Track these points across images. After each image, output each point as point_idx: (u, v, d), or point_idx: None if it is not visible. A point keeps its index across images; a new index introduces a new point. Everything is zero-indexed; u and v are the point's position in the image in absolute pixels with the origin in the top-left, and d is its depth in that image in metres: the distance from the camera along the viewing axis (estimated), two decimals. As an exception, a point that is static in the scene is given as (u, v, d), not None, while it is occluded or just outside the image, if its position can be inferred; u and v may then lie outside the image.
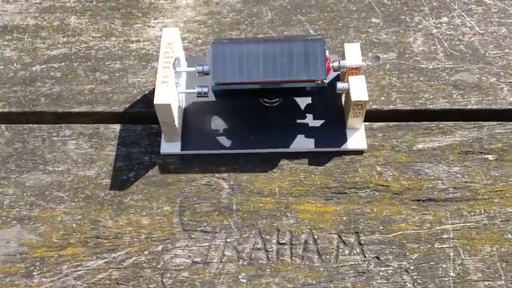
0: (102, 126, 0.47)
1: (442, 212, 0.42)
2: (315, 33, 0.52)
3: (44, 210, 0.42)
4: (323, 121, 0.46)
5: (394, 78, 0.50)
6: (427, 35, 0.52)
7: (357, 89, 0.43)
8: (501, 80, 0.49)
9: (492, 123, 0.47)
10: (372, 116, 0.47)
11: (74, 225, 0.42)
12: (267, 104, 0.47)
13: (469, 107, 0.48)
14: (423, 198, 0.43)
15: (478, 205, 0.43)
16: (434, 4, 0.55)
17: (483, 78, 0.49)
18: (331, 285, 0.39)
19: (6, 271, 0.40)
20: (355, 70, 0.45)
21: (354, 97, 0.43)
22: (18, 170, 0.44)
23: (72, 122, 0.47)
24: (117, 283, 0.39)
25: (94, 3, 0.55)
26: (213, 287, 0.39)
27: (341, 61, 0.44)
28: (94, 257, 0.40)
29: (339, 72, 0.47)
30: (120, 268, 0.40)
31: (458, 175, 0.44)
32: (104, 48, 0.51)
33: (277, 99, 0.46)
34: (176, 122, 0.43)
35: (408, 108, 0.48)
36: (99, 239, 0.41)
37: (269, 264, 0.40)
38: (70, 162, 0.45)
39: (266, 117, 0.46)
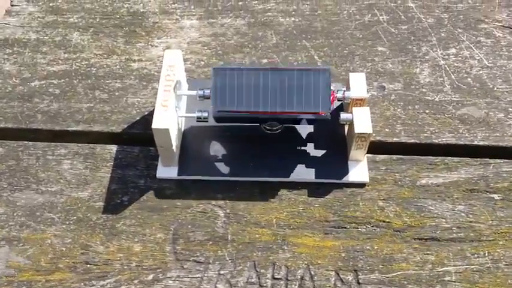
0: (99, 147, 0.45)
1: (444, 252, 0.41)
2: (319, 64, 0.51)
3: (33, 231, 0.41)
4: (325, 151, 0.45)
5: (399, 110, 0.48)
6: (434, 66, 0.51)
7: (361, 120, 0.42)
8: (509, 115, 0.48)
9: (499, 160, 0.45)
10: (375, 147, 0.46)
11: (64, 248, 0.40)
12: (268, 132, 0.46)
13: (476, 142, 0.47)
14: (425, 237, 0.42)
15: (482, 247, 0.41)
16: (442, 35, 0.54)
17: (490, 113, 0.48)
18: (326, 324, 0.38)
19: (-10, 295, 0.38)
20: (360, 101, 0.44)
21: (358, 129, 0.42)
22: (10, 188, 0.43)
23: (69, 140, 0.46)
24: (104, 312, 0.38)
25: (98, 20, 0.54)
26: (203, 321, 0.38)
27: (345, 92, 0.43)
28: (82, 284, 0.39)
29: (342, 102, 0.46)
30: (108, 297, 0.38)
31: (463, 214, 0.43)
32: (105, 66, 0.50)
33: (278, 127, 0.45)
34: (174, 147, 0.42)
35: (413, 141, 0.47)
36: (89, 265, 0.40)
37: (263, 299, 0.39)
38: (63, 182, 0.43)
39: (266, 145, 0.45)
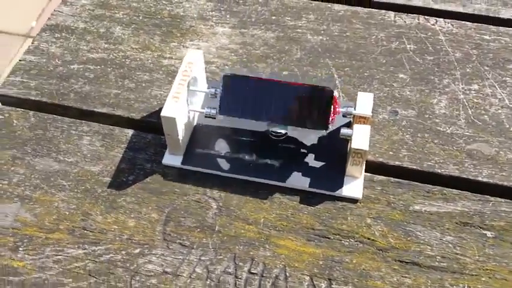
0: (117, 129, 0.49)
1: (423, 278, 0.41)
2: (325, 81, 0.53)
3: (44, 193, 0.45)
4: (323, 163, 0.47)
5: (407, 136, 0.49)
6: (453, 99, 0.52)
7: (359, 137, 0.43)
8: (520, 157, 0.48)
9: (499, 199, 0.45)
10: (375, 168, 0.47)
11: (67, 213, 0.44)
12: (273, 137, 0.48)
13: (479, 178, 0.46)
14: (407, 260, 0.42)
15: (463, 279, 0.41)
16: (468, 70, 0.54)
17: (501, 152, 0.48)
18: (290, 324, 0.39)
19: (-5, 242, 0.43)
20: (363, 119, 0.45)
21: (354, 144, 0.43)
22: (32, 154, 0.48)
23: (92, 120, 0.50)
24: (89, 274, 0.41)
25: (140, 17, 0.59)
26: (175, 299, 0.40)
27: (349, 108, 0.45)
28: (76, 246, 0.42)
29: (350, 119, 0.48)
30: (96, 261, 0.42)
31: (450, 245, 0.43)
32: (138, 59, 0.55)
33: (283, 133, 0.47)
34: (180, 136, 0.45)
35: (414, 167, 0.47)
36: (85, 231, 0.43)
37: (235, 290, 0.40)
38: (80, 155, 0.48)
39: (269, 149, 0.47)
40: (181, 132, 0.45)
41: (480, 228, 0.44)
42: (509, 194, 0.45)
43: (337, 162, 0.46)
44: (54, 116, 0.50)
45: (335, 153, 0.47)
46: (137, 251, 0.42)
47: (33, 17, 0.63)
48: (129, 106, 0.51)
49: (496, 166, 0.47)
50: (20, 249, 0.42)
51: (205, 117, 0.46)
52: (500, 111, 0.51)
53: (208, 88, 0.46)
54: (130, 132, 0.49)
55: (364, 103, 0.45)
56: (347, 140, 0.46)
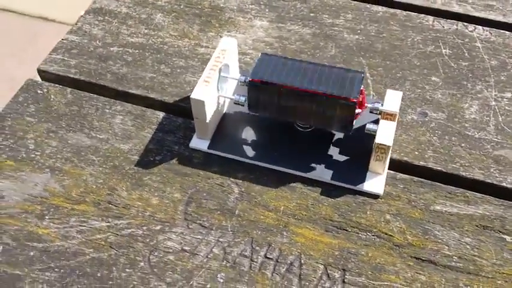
0: (149, 111, 0.51)
1: (437, 276, 0.41)
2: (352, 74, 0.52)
3: (74, 167, 0.47)
4: (348, 157, 0.47)
5: (434, 138, 0.49)
6: (484, 105, 0.51)
7: (384, 132, 0.43)
8: (549, 167, 0.47)
9: (524, 206, 0.44)
10: (399, 166, 0.47)
11: (94, 186, 0.46)
12: (300, 129, 0.48)
13: (504, 184, 0.46)
14: (423, 258, 0.42)
15: (478, 281, 0.40)
16: (502, 78, 0.53)
17: (530, 160, 0.47)
18: (301, 310, 0.39)
19: (24, 208, 0.45)
20: (390, 116, 0.45)
21: (378, 139, 0.43)
22: (66, 128, 0.50)
23: (127, 101, 0.52)
24: (110, 246, 0.42)
25: (181, 6, 0.60)
26: (190, 276, 0.41)
27: (376, 104, 0.45)
28: (100, 219, 0.44)
29: (379, 116, 0.48)
30: (117, 234, 0.43)
31: (468, 246, 0.42)
32: (175, 46, 0.56)
33: (310, 125, 0.48)
34: (208, 120, 0.46)
35: (439, 168, 0.47)
36: (110, 205, 0.45)
37: (249, 272, 0.41)
38: (111, 133, 0.49)
39: (295, 140, 0.48)
40: (209, 116, 0.46)
41: (500, 232, 0.43)
42: (535, 202, 0.45)
43: (361, 157, 0.46)
44: (90, 94, 0.52)
45: (360, 148, 0.47)
46: (158, 227, 0.43)
47: (82, 6, 0.66)
48: (162, 90, 0.53)
49: (524, 174, 0.46)
50: (46, 217, 0.44)
51: (235, 103, 0.47)
52: (532, 120, 0.50)
53: (240, 76, 0.48)
54: (161, 114, 0.51)
55: (392, 100, 0.46)
56: (372, 135, 0.46)
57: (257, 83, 0.45)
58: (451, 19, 0.59)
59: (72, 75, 0.54)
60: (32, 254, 0.42)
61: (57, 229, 0.43)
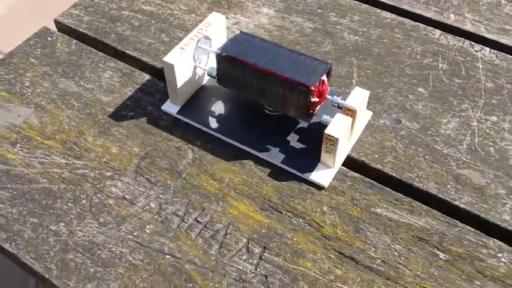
0: (138, 72, 0.54)
1: (354, 274, 0.40)
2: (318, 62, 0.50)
3: (56, 107, 0.51)
4: (304, 146, 0.47)
5: (400, 145, 0.48)
6: (463, 124, 0.50)
7: (336, 125, 0.44)
8: (510, 196, 0.45)
9: (468, 227, 0.43)
10: (353, 165, 0.47)
11: (67, 127, 0.50)
12: (268, 112, 0.50)
13: (456, 203, 0.44)
14: (346, 254, 0.41)
15: (394, 288, 0.40)
16: (493, 101, 0.51)
17: (492, 185, 0.45)
18: (210, 274, 0.40)
19: (2, 134, 0.49)
20: (350, 112, 0.45)
21: (328, 130, 0.43)
22: (61, 73, 0.54)
23: (123, 60, 0.56)
24: (62, 181, 0.46)
25: (198, -15, 0.63)
26: (122, 222, 0.43)
27: (336, 97, 0.45)
28: (61, 156, 0.48)
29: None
30: (72, 172, 0.46)
31: (396, 253, 0.41)
32: (181, 19, 0.59)
33: (277, 110, 0.49)
34: (178, 85, 0.48)
35: (393, 175, 0.46)
36: (74, 145, 0.48)
37: (176, 230, 0.43)
38: (97, 85, 0.53)
39: (259, 121, 0.49)
40: (180, 81, 0.48)
41: (435, 247, 0.42)
42: (483, 227, 0.43)
43: (317, 148, 0.47)
44: (91, 48, 0.57)
45: (319, 140, 0.47)
46: (109, 174, 0.46)
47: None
48: (156, 55, 0.56)
49: (480, 197, 0.45)
50: (18, 145, 0.48)
51: (208, 75, 0.49)
52: (510, 147, 0.48)
53: (216, 50, 0.49)
54: (147, 77, 0.54)
55: (356, 98, 0.46)
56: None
57: (224, 57, 0.46)
58: (460, 36, 0.57)
59: (81, 30, 0.58)
60: (-5, 173, 0.47)
61: (23, 157, 0.48)
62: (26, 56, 0.56)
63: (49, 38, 0.58)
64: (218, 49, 0.48)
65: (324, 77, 0.45)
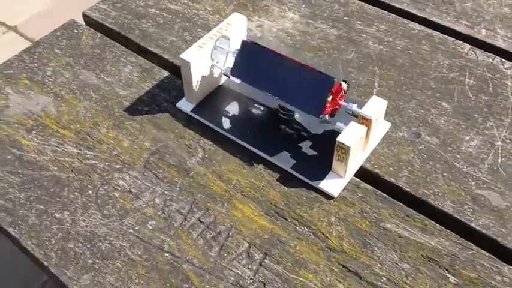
0: (157, 68, 0.54)
1: (356, 288, 0.39)
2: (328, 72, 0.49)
3: (74, 98, 0.52)
4: (316, 153, 0.46)
5: (417, 160, 0.46)
6: (487, 142, 0.47)
7: (348, 133, 0.42)
8: (531, 221, 0.42)
9: (483, 252, 0.40)
10: (367, 176, 0.45)
11: (82, 118, 0.50)
12: (282, 116, 0.49)
13: (472, 224, 0.42)
14: (350, 268, 0.40)
15: (397, 307, 0.38)
16: (521, 122, 0.49)
17: (512, 209, 0.43)
18: (208, 277, 0.39)
19: (20, 120, 0.50)
20: (366, 121, 0.44)
21: (339, 137, 0.42)
22: (83, 65, 0.55)
23: (145, 56, 0.56)
24: (72, 170, 0.46)
25: (226, -14, 0.63)
26: (125, 215, 0.43)
27: (351, 104, 0.44)
28: (74, 145, 0.48)
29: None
30: (82, 162, 0.46)
31: (403, 272, 0.39)
32: (205, 19, 0.59)
33: (292, 113, 0.48)
34: (194, 83, 0.48)
35: (408, 190, 0.44)
36: (88, 136, 0.48)
37: (177, 228, 0.42)
38: (116, 78, 0.53)
39: (273, 125, 0.48)
40: (195, 79, 0.48)
41: (445, 269, 0.40)
42: (499, 252, 0.41)
43: (329, 156, 0.45)
44: (115, 43, 0.57)
45: (330, 147, 0.46)
46: (118, 166, 0.46)
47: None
48: (177, 53, 0.55)
49: (499, 220, 0.42)
50: (33, 132, 0.49)
51: (224, 75, 0.49)
52: (535, 170, 0.45)
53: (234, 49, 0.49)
54: (166, 73, 0.54)
55: (374, 107, 0.44)
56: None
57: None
58: (491, 52, 0.55)
59: (107, 24, 0.59)
60: (8, 157, 0.47)
61: (37, 144, 0.48)
62: (51, 46, 0.57)
63: (75, 31, 0.58)
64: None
65: (337, 80, 0.44)
